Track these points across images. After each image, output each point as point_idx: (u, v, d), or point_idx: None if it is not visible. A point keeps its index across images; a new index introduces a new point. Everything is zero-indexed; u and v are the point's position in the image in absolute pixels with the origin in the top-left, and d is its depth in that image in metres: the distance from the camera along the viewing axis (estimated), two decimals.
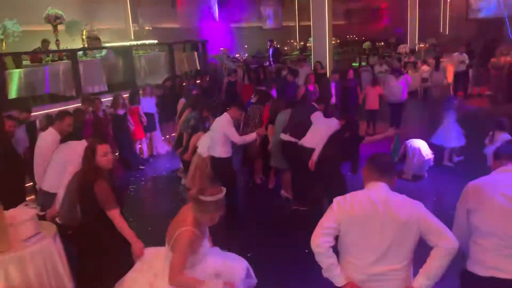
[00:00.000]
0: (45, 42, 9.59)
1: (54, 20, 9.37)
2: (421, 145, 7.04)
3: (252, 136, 5.85)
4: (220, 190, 2.76)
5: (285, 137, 6.04)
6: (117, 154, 7.79)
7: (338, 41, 21.23)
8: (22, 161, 5.88)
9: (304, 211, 5.95)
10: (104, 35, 10.79)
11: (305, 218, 5.64)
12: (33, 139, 6.14)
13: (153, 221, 5.81)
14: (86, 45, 9.96)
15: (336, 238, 2.56)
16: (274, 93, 8.68)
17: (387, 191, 2.51)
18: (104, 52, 9.98)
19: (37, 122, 6.64)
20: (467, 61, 13.38)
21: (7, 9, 9.57)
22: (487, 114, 11.90)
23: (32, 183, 6.24)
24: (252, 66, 13.26)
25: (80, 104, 7.63)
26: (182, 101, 8.34)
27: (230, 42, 17.18)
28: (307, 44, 19.65)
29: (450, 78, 13.96)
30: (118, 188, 3.51)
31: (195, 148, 6.46)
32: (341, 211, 2.50)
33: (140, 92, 8.85)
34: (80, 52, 9.49)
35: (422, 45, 18.80)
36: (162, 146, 9.50)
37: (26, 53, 9.00)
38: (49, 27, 9.55)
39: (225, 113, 5.74)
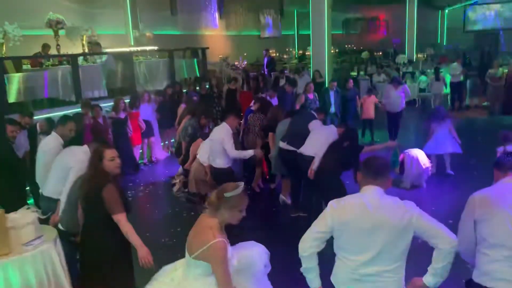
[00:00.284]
0: (45, 46, 9.62)
1: (55, 25, 9.40)
2: (419, 155, 7.06)
3: (249, 153, 5.94)
4: (237, 184, 2.76)
5: (284, 145, 6.07)
6: None
7: (336, 50, 21.35)
8: (22, 165, 5.85)
9: (304, 217, 5.94)
10: (104, 41, 10.80)
11: (305, 225, 5.60)
12: (34, 143, 6.14)
13: (151, 227, 5.78)
14: (86, 50, 9.98)
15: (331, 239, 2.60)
16: (275, 101, 8.73)
17: (380, 195, 2.53)
18: (104, 57, 10.02)
19: (38, 126, 6.63)
20: (462, 72, 13.47)
21: (8, 13, 9.58)
22: (485, 124, 11.99)
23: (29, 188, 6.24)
24: (251, 74, 13.32)
25: (80, 109, 7.63)
26: (182, 106, 8.42)
27: (230, 50, 17.26)
28: (306, 53, 19.75)
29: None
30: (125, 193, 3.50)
31: (195, 156, 6.49)
32: (334, 214, 2.54)
33: None
34: (81, 57, 9.51)
35: (420, 56, 18.93)
36: (161, 152, 9.52)
37: (26, 57, 9.00)
38: (50, 32, 9.57)
39: (223, 123, 5.80)
